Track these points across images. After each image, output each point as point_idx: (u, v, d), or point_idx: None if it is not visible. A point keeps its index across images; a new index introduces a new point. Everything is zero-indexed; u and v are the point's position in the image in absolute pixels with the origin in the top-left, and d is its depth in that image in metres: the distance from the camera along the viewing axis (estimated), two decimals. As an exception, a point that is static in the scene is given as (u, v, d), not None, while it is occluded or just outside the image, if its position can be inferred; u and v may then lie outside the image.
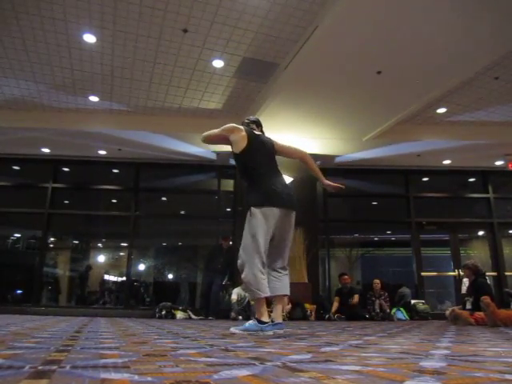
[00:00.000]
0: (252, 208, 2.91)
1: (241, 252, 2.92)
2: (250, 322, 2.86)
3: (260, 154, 3.10)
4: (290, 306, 7.24)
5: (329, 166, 9.64)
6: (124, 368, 1.05)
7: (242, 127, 3.14)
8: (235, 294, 7.53)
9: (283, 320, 3.18)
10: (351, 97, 6.83)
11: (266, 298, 2.86)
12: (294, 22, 5.49)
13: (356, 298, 7.81)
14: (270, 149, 3.18)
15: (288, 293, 3.02)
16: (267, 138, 3.28)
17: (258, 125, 3.33)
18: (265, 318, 2.81)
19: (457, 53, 5.59)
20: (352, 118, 7.51)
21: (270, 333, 2.72)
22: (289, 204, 2.98)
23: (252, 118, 3.41)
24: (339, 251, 13.91)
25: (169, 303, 8.00)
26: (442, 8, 4.73)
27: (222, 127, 3.15)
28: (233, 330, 2.86)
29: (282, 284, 2.98)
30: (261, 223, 2.87)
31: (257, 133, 3.22)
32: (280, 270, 3.01)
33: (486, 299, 4.80)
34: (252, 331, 2.75)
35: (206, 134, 3.21)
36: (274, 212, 2.91)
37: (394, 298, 8.53)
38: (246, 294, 7.41)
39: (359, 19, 4.98)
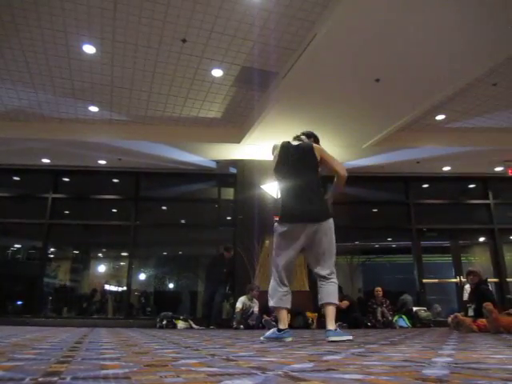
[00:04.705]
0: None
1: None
2: (273, 329, 3.10)
3: None
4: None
5: (328, 173, 9.65)
6: (125, 379, 1.05)
7: None
8: (240, 302, 7.35)
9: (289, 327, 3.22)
10: (350, 104, 6.86)
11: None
12: (293, 31, 5.53)
13: (345, 303, 7.63)
14: None
15: (331, 301, 3.15)
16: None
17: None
18: (281, 326, 3.03)
19: (455, 60, 5.62)
20: (351, 125, 7.52)
21: (289, 339, 2.96)
22: None
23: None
24: (340, 259, 13.85)
25: (170, 313, 7.94)
26: (440, 16, 4.77)
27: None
28: (261, 337, 3.11)
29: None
30: None
31: None
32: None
33: (488, 306, 4.78)
34: (271, 338, 3.00)
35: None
36: None
37: (395, 305, 8.50)
38: (252, 304, 7.34)
39: (357, 27, 5.02)
